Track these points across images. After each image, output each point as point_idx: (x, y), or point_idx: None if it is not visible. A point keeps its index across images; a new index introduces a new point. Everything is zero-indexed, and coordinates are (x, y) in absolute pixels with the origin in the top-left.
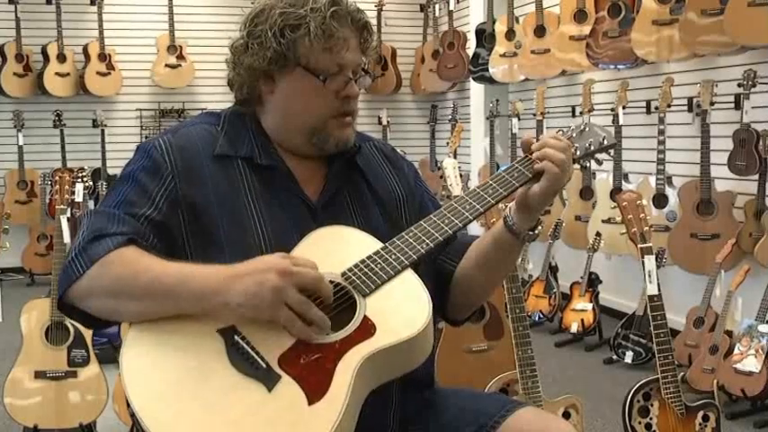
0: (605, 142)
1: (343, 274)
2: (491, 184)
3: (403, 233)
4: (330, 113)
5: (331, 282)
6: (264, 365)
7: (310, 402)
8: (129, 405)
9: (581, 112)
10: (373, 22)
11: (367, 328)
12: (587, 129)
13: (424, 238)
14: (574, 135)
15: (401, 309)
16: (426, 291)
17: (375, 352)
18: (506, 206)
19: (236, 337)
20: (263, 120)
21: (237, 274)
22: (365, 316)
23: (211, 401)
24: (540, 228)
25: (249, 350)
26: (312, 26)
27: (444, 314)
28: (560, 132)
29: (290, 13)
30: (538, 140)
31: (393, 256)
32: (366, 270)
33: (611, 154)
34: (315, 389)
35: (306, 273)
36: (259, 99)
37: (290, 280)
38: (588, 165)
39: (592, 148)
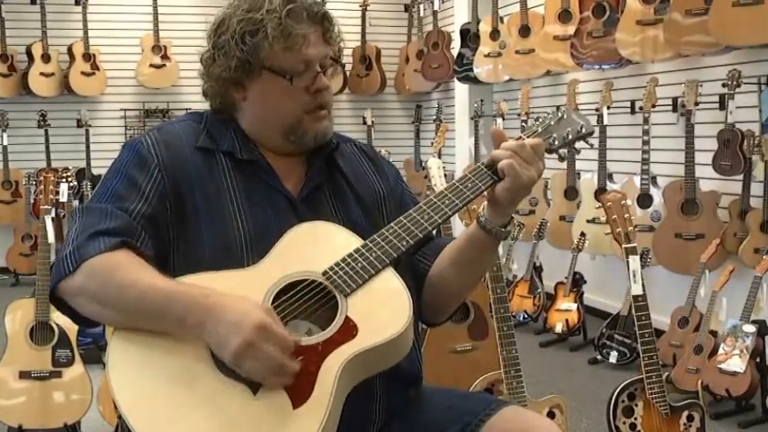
0: (583, 130)
1: (325, 272)
2: (470, 178)
3: (383, 230)
4: (303, 110)
5: (312, 281)
6: None
7: (294, 406)
8: (116, 408)
9: None
10: (358, 22)
11: (349, 329)
12: (565, 116)
13: (403, 234)
14: (552, 123)
15: (382, 308)
16: (407, 289)
17: (357, 354)
18: (481, 204)
19: None
20: (242, 123)
21: (216, 317)
22: (347, 316)
23: (198, 405)
24: (513, 224)
25: None
26: (269, 29)
27: (420, 315)
28: (539, 120)
29: (248, 19)
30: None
31: (374, 254)
32: (347, 269)
33: (589, 143)
34: (298, 392)
35: (270, 355)
36: (234, 106)
37: (251, 352)
38: (566, 154)
39: (570, 137)
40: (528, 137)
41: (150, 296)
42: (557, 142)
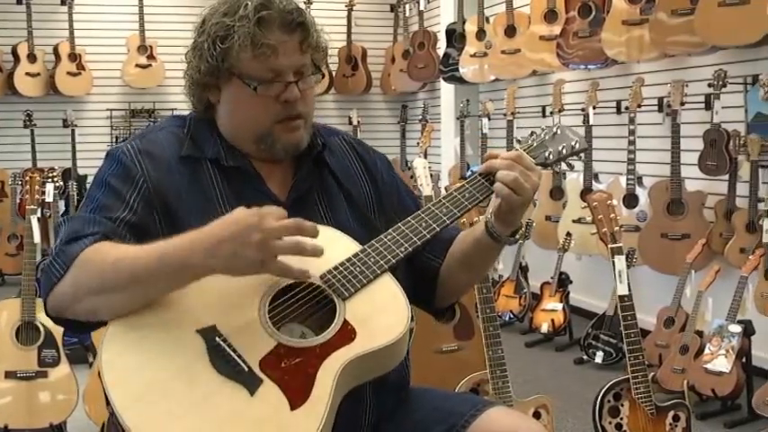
0: (577, 146)
1: (323, 276)
2: (467, 188)
3: (381, 236)
4: (273, 119)
5: (311, 285)
6: (246, 369)
7: (292, 407)
8: (108, 403)
9: (551, 113)
10: (344, 22)
11: (347, 333)
12: (559, 132)
13: (402, 241)
14: (546, 138)
15: (380, 314)
16: (404, 295)
17: (355, 358)
18: (488, 210)
19: (216, 338)
20: (219, 125)
21: (221, 239)
22: (345, 320)
23: (194, 404)
24: (521, 231)
25: (231, 352)
26: (237, 36)
27: (429, 307)
28: (533, 135)
29: (221, 24)
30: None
31: (372, 259)
32: (346, 273)
33: (582, 157)
34: (296, 394)
35: (286, 224)
36: (210, 108)
37: (273, 234)
38: (559, 169)
39: (564, 152)
40: (524, 150)
41: (144, 258)
42: (552, 157)
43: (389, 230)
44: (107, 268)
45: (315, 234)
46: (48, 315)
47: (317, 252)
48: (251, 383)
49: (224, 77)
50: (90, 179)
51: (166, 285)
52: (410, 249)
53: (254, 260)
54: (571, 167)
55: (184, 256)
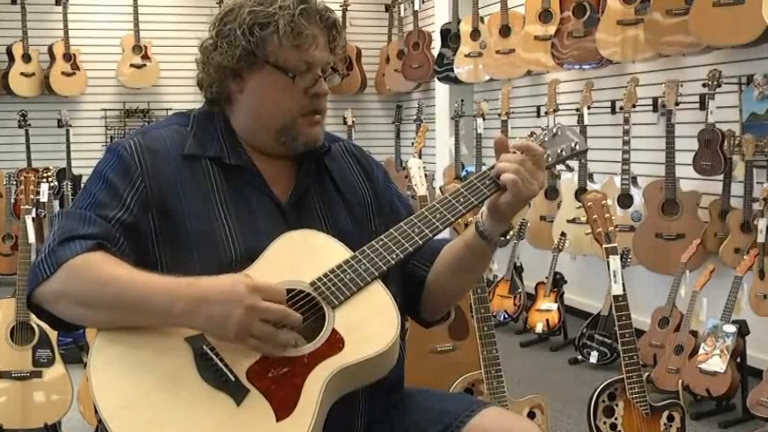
0: (577, 148)
1: (313, 283)
2: (462, 192)
3: (373, 242)
4: (299, 111)
5: (300, 291)
6: (233, 378)
7: (278, 418)
8: (96, 411)
9: (546, 113)
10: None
11: (335, 342)
12: (559, 133)
13: (393, 247)
14: (546, 139)
15: (370, 323)
16: (395, 303)
17: (342, 368)
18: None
19: (204, 347)
20: (233, 119)
21: (205, 299)
22: (334, 329)
23: (181, 413)
24: (512, 232)
25: (218, 362)
26: (281, 24)
27: (418, 317)
28: (533, 136)
29: (259, 12)
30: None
31: (363, 267)
32: (336, 280)
33: (581, 160)
34: (283, 404)
35: (273, 309)
36: (228, 98)
37: (256, 315)
38: (558, 171)
39: (564, 154)
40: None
41: (132, 289)
42: (551, 159)
43: (381, 236)
44: (94, 287)
45: (297, 325)
46: (29, 308)
47: (288, 345)
48: (237, 393)
49: (256, 65)
50: (85, 179)
51: (147, 323)
52: (401, 256)
53: (234, 332)
54: (570, 169)
55: (168, 302)
